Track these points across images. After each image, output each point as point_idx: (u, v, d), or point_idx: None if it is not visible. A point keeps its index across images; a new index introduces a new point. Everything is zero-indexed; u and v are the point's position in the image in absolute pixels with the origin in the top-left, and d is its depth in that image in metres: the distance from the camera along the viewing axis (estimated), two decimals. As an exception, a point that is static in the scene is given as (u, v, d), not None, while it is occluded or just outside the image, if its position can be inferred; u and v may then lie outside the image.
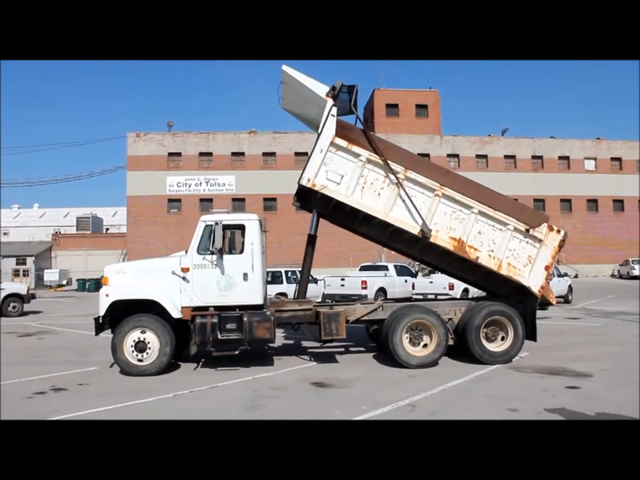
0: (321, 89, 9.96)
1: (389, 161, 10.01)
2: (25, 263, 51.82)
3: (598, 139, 53.00)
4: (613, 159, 52.45)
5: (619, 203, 51.82)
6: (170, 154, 47.36)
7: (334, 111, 9.87)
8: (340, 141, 9.92)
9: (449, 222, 10.19)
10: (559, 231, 10.48)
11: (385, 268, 24.08)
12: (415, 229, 10.07)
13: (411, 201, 10.01)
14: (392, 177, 10.02)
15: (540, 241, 10.34)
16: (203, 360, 10.90)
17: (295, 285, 18.68)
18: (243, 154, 47.86)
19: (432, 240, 10.10)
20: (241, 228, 10.19)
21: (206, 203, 45.15)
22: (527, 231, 10.27)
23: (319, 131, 9.95)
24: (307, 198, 10.77)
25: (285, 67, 10.20)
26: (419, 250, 10.82)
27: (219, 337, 9.65)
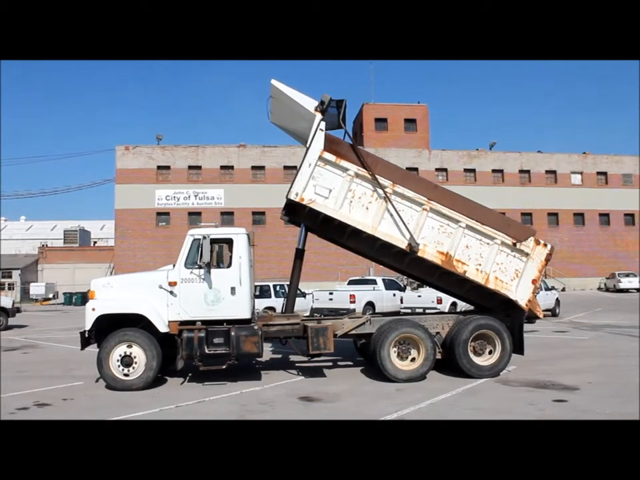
0: (310, 103, 10.01)
1: (377, 175, 10.05)
2: (10, 276, 51.35)
3: (584, 153, 53.55)
4: (598, 173, 52.99)
5: (605, 217, 52.33)
6: (159, 167, 47.26)
7: (322, 125, 9.90)
8: (328, 155, 9.95)
9: (437, 236, 10.22)
10: (545, 245, 10.55)
11: (374, 282, 24.10)
12: (402, 243, 10.10)
13: (399, 215, 10.04)
14: (380, 191, 10.06)
15: (527, 254, 10.40)
16: (190, 374, 10.81)
17: (283, 299, 18.57)
18: (232, 167, 47.86)
19: (420, 254, 10.13)
20: (229, 242, 10.17)
21: (195, 216, 44.99)
22: (514, 244, 10.33)
23: (308, 145, 9.98)
24: (295, 212, 10.78)
25: (273, 81, 10.25)
26: (407, 264, 10.84)
27: (206, 351, 9.59)
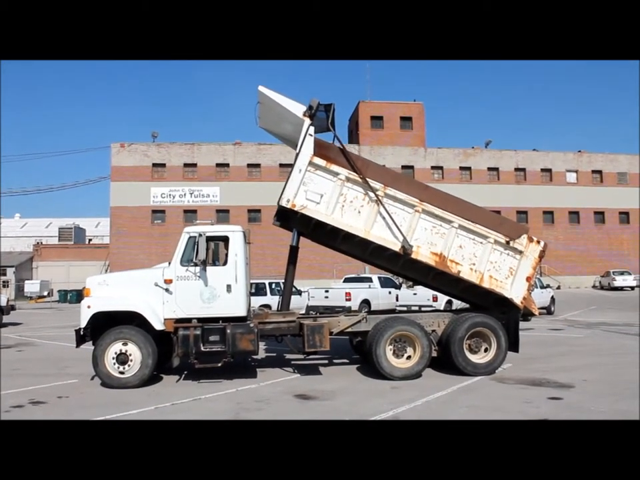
0: (298, 109, 9.97)
1: (367, 179, 10.03)
2: (5, 274, 51.13)
3: (579, 151, 53.74)
4: (594, 171, 53.22)
5: (599, 215, 52.58)
6: (154, 165, 47.18)
7: (311, 130, 9.87)
8: (318, 160, 9.91)
9: (430, 237, 10.23)
10: (538, 242, 10.58)
11: (369, 280, 24.09)
12: (396, 246, 10.09)
13: (391, 218, 10.03)
14: (371, 194, 10.05)
15: (520, 252, 10.43)
16: (185, 372, 10.82)
17: (278, 296, 18.59)
18: (227, 165, 47.82)
19: (413, 256, 10.13)
20: (225, 239, 10.17)
21: (190, 214, 44.88)
22: (507, 243, 10.35)
23: (297, 151, 9.94)
24: (288, 218, 10.77)
25: (261, 88, 10.23)
26: (401, 266, 10.85)
27: (202, 349, 9.59)
